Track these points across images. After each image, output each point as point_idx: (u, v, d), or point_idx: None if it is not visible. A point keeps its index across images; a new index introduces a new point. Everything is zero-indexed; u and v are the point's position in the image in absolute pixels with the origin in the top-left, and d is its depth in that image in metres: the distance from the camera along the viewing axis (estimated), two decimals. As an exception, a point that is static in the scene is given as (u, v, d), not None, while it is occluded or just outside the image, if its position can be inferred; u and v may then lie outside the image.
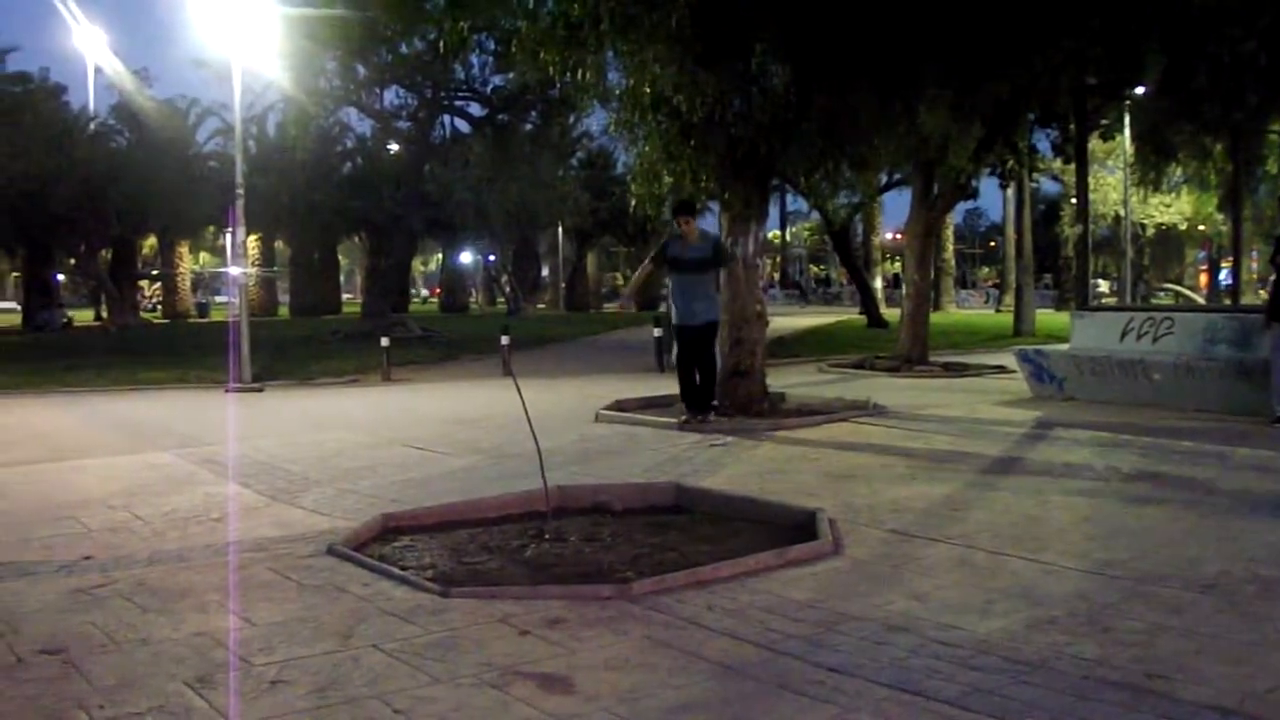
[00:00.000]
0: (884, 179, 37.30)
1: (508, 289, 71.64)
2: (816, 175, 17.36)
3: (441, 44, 17.35)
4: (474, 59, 37.07)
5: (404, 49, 34.42)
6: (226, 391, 19.54)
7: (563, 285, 77.29)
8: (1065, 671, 5.17)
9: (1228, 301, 41.40)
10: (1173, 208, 52.93)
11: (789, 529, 7.98)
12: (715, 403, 14.02)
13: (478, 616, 6.00)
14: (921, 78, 14.59)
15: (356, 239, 69.86)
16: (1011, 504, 9.09)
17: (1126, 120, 27.95)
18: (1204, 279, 68.09)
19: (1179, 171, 38.98)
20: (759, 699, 4.92)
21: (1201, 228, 59.54)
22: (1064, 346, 17.66)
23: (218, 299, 79.78)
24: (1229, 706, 4.73)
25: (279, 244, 72.08)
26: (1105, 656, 5.36)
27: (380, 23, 25.05)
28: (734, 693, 5.01)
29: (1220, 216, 46.76)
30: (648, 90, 14.27)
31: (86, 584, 6.83)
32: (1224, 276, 56.44)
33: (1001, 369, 21.16)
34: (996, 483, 10.04)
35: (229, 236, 35.04)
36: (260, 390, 19.76)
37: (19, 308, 58.96)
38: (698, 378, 13.73)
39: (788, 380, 18.58)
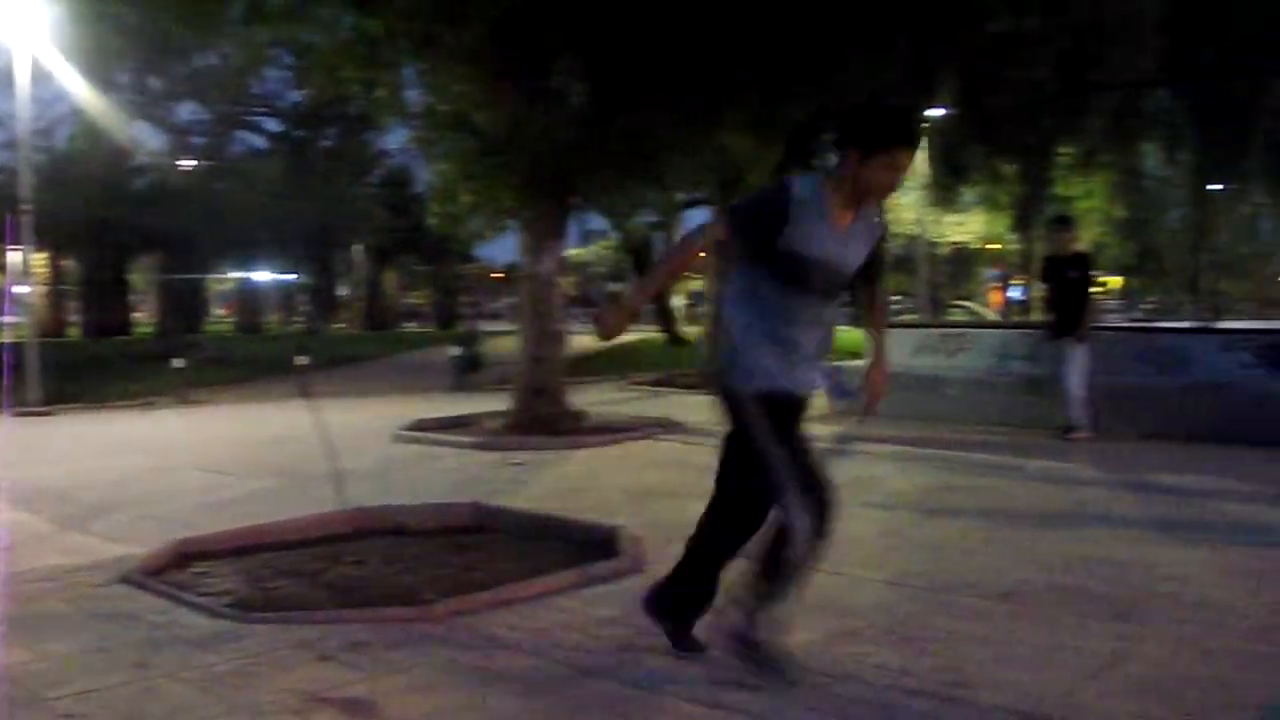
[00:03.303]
0: (684, 198, 37.60)
1: (305, 308, 70.68)
2: (617, 194, 17.45)
3: (237, 59, 17.09)
4: (270, 74, 36.68)
5: (198, 63, 33.89)
6: (13, 416, 18.93)
7: (361, 304, 76.48)
8: (870, 682, 5.27)
9: (1019, 318, 42.54)
10: (966, 227, 54.18)
11: (591, 547, 7.97)
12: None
13: (277, 642, 5.90)
14: (722, 98, 14.74)
15: (150, 257, 68.46)
16: (810, 519, 9.21)
17: (923, 141, 28.61)
18: (997, 297, 69.89)
19: (972, 192, 40.02)
20: (564, 718, 4.92)
21: (994, 246, 61.05)
22: (861, 362, 17.95)
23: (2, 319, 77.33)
24: (1027, 710, 4.86)
25: (69, 262, 70.23)
26: (908, 665, 5.47)
27: (173, 34, 24.54)
28: (539, 712, 5.00)
29: (1011, 236, 48.06)
30: (446, 108, 14.23)
31: None
32: (1015, 294, 58.00)
33: (801, 385, 21.40)
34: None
35: (11, 254, 33.98)
36: (50, 414, 19.18)
37: None
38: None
39: (588, 398, 18.61)
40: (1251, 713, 4.92)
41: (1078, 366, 13.74)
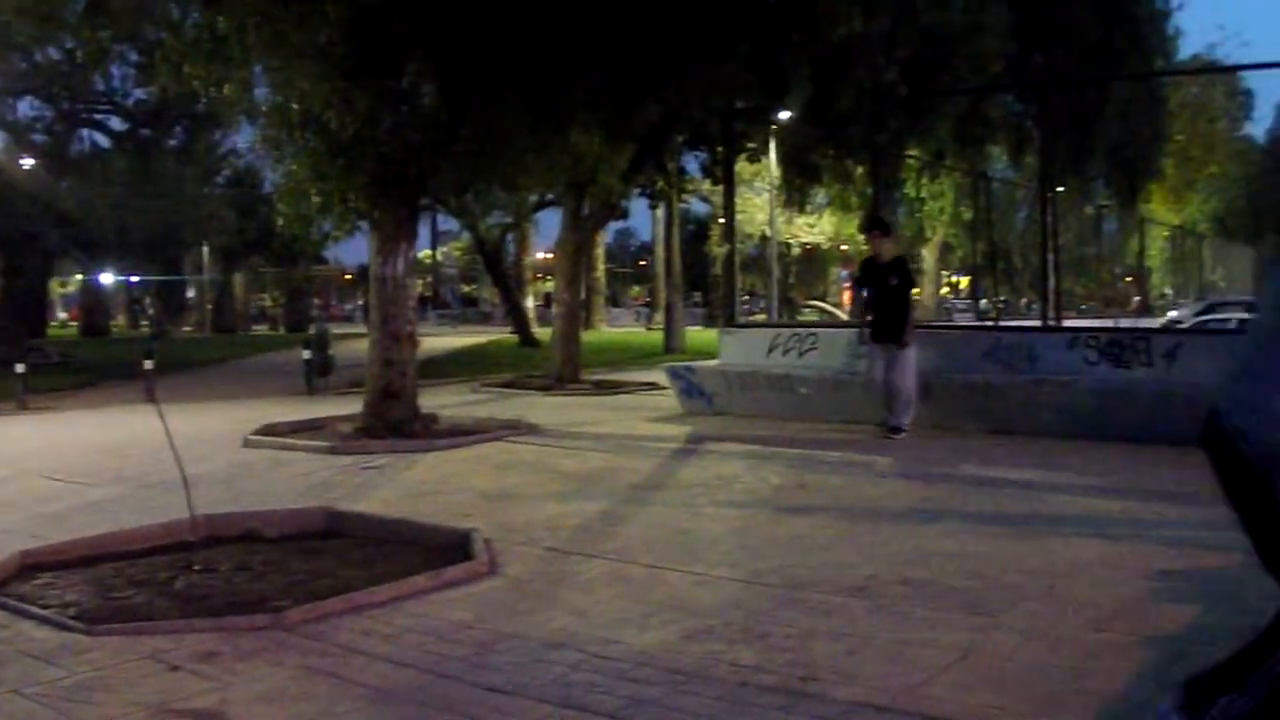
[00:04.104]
0: (536, 199, 37.58)
1: (152, 311, 69.45)
2: (468, 195, 17.42)
3: (79, 54, 16.75)
4: (115, 71, 36.01)
5: (39, 58, 33.14)
6: None
7: (209, 307, 75.36)
8: (723, 679, 5.31)
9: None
10: (816, 228, 54.69)
11: (445, 550, 7.95)
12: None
13: (126, 654, 5.79)
14: (573, 100, 14.74)
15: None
16: (665, 518, 9.28)
17: (773, 143, 28.85)
18: (847, 296, 70.74)
19: (822, 193, 40.43)
20: (419, 725, 4.91)
21: (844, 247, 61.72)
22: (714, 363, 18.08)
23: None
24: (881, 703, 4.94)
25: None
26: (761, 662, 5.52)
27: (12, 29, 23.95)
28: (395, 718, 4.97)
29: (861, 237, 48.65)
30: (296, 107, 14.06)
31: None
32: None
33: (653, 386, 21.54)
34: (650, 498, 10.22)
35: None
36: (-122, 423, 18.62)
37: None
38: None
39: (440, 401, 18.52)
40: (1099, 699, 5.03)
41: (910, 370, 13.93)
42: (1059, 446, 12.85)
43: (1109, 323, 28.36)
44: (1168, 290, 57.95)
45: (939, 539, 8.25)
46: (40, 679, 5.46)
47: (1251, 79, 60.39)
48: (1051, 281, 20.61)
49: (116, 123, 39.62)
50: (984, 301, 38.27)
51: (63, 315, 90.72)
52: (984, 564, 7.43)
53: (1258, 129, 68.10)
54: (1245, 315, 30.55)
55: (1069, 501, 9.88)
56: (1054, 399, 13.85)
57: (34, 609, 6.61)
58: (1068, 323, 23.82)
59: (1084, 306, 50.16)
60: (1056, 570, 7.25)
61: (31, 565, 7.73)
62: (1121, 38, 33.20)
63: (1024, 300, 49.02)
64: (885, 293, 14.15)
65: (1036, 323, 18.76)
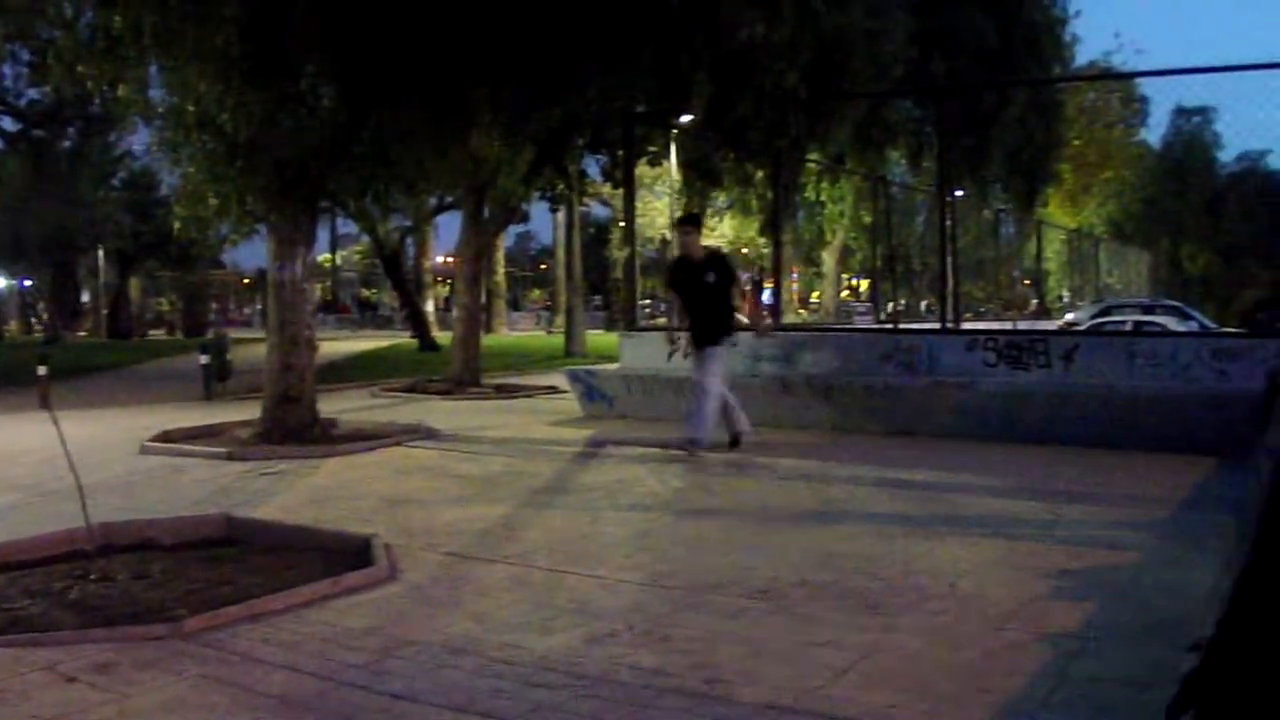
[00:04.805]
0: (436, 202, 37.47)
1: (45, 316, 68.40)
2: (367, 198, 17.32)
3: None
4: (6, 70, 35.46)
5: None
6: None
7: (104, 312, 74.35)
8: (626, 683, 5.32)
9: (770, 320, 43.27)
10: (717, 231, 54.89)
11: (345, 556, 7.90)
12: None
13: (20, 666, 5.69)
14: (473, 103, 14.71)
15: (-126, 261, 65.59)
16: (566, 522, 9.29)
17: (674, 147, 28.94)
18: (749, 300, 71.13)
19: (723, 197, 40.64)
20: (319, 733, 4.87)
21: (745, 251, 62.01)
22: (614, 366, 18.12)
23: None
24: (785, 704, 4.98)
25: None
26: (664, 665, 5.54)
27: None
28: (294, 727, 4.94)
29: (762, 240, 48.92)
30: (192, 109, 13.89)
31: None
32: (766, 297, 59.06)
33: (554, 389, 21.55)
34: (551, 501, 10.23)
35: None
36: None
37: None
38: None
39: (340, 405, 18.40)
40: (1000, 697, 5.09)
41: (716, 378, 12.93)
42: (959, 448, 13.04)
43: (1007, 325, 28.75)
44: (1065, 293, 58.64)
45: (840, 541, 8.32)
46: (-69, 693, 5.37)
47: (1147, 85, 61.62)
48: (950, 284, 20.86)
49: (9, 123, 39.08)
50: (890, 306, 38.61)
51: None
52: (885, 565, 7.51)
53: (1153, 135, 69.43)
54: (1141, 318, 31.12)
55: (969, 502, 10.01)
56: (953, 401, 14.03)
57: (-76, 621, 6.49)
58: (966, 325, 24.14)
59: (983, 309, 50.73)
60: (957, 570, 7.34)
61: (-78, 576, 7.60)
62: (1019, 44, 33.77)
63: (924, 303, 49.49)
64: (702, 292, 13.08)
65: (936, 325, 18.98)
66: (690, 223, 13.91)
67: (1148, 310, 35.54)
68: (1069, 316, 41.79)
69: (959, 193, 34.39)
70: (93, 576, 7.44)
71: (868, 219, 44.46)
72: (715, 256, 13.87)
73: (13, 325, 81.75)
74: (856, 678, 5.36)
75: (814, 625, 6.20)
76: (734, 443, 13.28)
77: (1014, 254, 51.77)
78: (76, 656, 5.81)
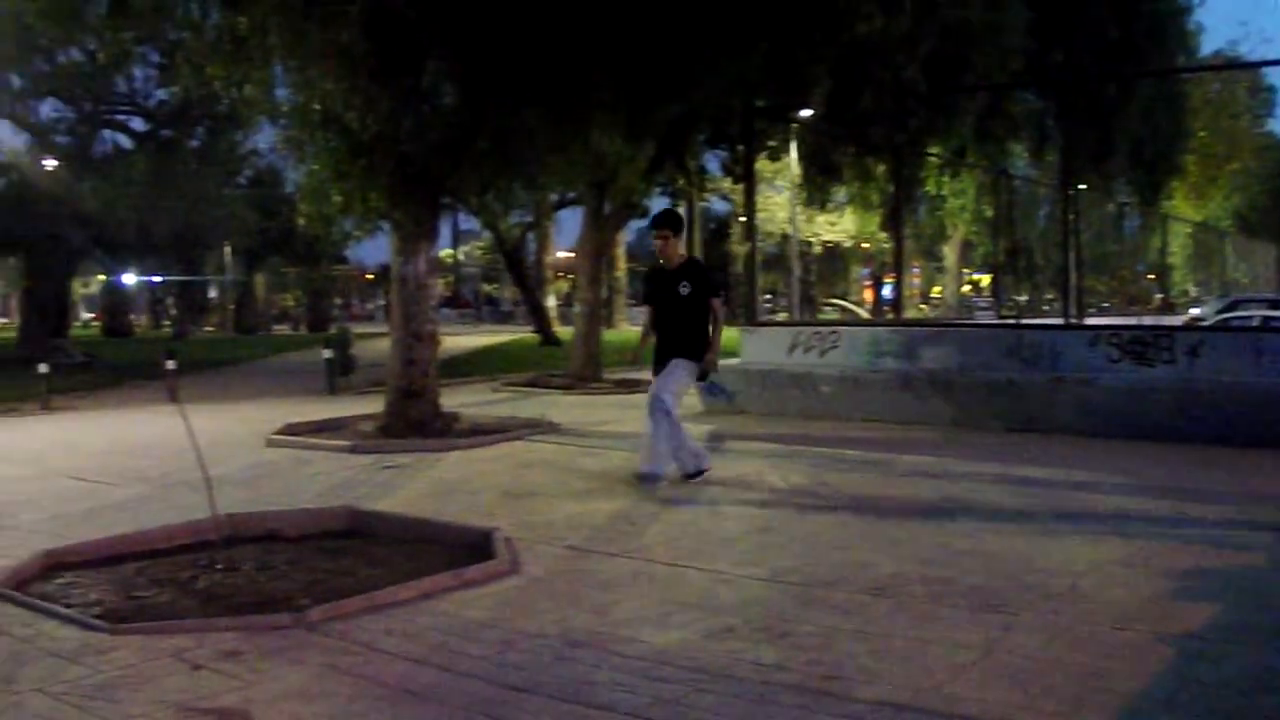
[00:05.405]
0: (557, 198, 37.64)
1: (174, 311, 69.62)
2: (488, 194, 17.39)
3: (101, 55, 16.77)
4: (136, 71, 36.08)
5: (61, 59, 33.22)
6: None
7: (231, 307, 75.55)
8: (744, 678, 5.31)
9: (891, 316, 43.03)
10: (838, 226, 54.69)
11: (465, 549, 7.95)
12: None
13: (148, 653, 5.80)
14: (593, 99, 14.73)
15: (11, 260, 66.88)
16: (687, 517, 9.29)
17: (794, 142, 28.83)
18: (868, 294, 70.71)
19: (843, 191, 40.45)
20: (439, 723, 4.91)
21: (865, 245, 61.74)
22: (734, 361, 18.06)
23: None
24: (903, 702, 4.94)
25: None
26: (783, 661, 5.52)
27: (35, 31, 24.00)
28: (417, 717, 4.98)
29: (883, 235, 48.66)
30: (317, 107, 14.06)
31: None
32: (887, 292, 58.71)
33: (673, 384, 21.53)
34: (671, 496, 10.21)
35: None
36: (-94, 422, 18.64)
37: None
38: None
39: (461, 400, 18.53)
40: (1120, 698, 5.01)
41: (675, 397, 10.92)
42: (1081, 444, 12.85)
43: (1131, 321, 28.31)
44: (1190, 288, 57.76)
45: (960, 538, 8.23)
46: (64, 678, 5.48)
47: (1274, 75, 60.22)
48: (1073, 279, 20.60)
49: (138, 124, 39.69)
50: (1014, 300, 38.16)
51: (87, 316, 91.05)
52: (1005, 563, 7.42)
53: (1281, 125, 67.97)
54: (1269, 313, 30.45)
55: (1091, 499, 9.85)
56: (1075, 397, 13.83)
57: (57, 608, 6.63)
58: (1089, 320, 23.82)
59: (1105, 304, 50.00)
60: (1078, 569, 7.23)
61: (55, 565, 7.76)
62: (1141, 35, 33.17)
63: (1046, 298, 48.94)
64: (674, 305, 11.02)
65: (1058, 321, 18.74)
66: (665, 224, 11.36)
67: (1275, 305, 34.75)
68: (1194, 311, 41.05)
69: (1082, 186, 33.97)
70: (219, 566, 7.57)
71: (989, 213, 43.99)
72: (692, 264, 11.47)
73: (142, 321, 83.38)
74: (975, 676, 5.30)
75: (933, 623, 6.14)
76: (647, 478, 10.78)
77: (1138, 248, 51.06)
78: (203, 644, 5.91)
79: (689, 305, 10.97)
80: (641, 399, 19.58)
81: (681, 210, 44.41)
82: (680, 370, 10.92)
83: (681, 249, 11.46)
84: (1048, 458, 12.14)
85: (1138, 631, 5.95)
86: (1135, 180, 41.54)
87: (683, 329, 11.00)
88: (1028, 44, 24.39)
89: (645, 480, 10.69)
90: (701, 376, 11.28)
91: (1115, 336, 14.52)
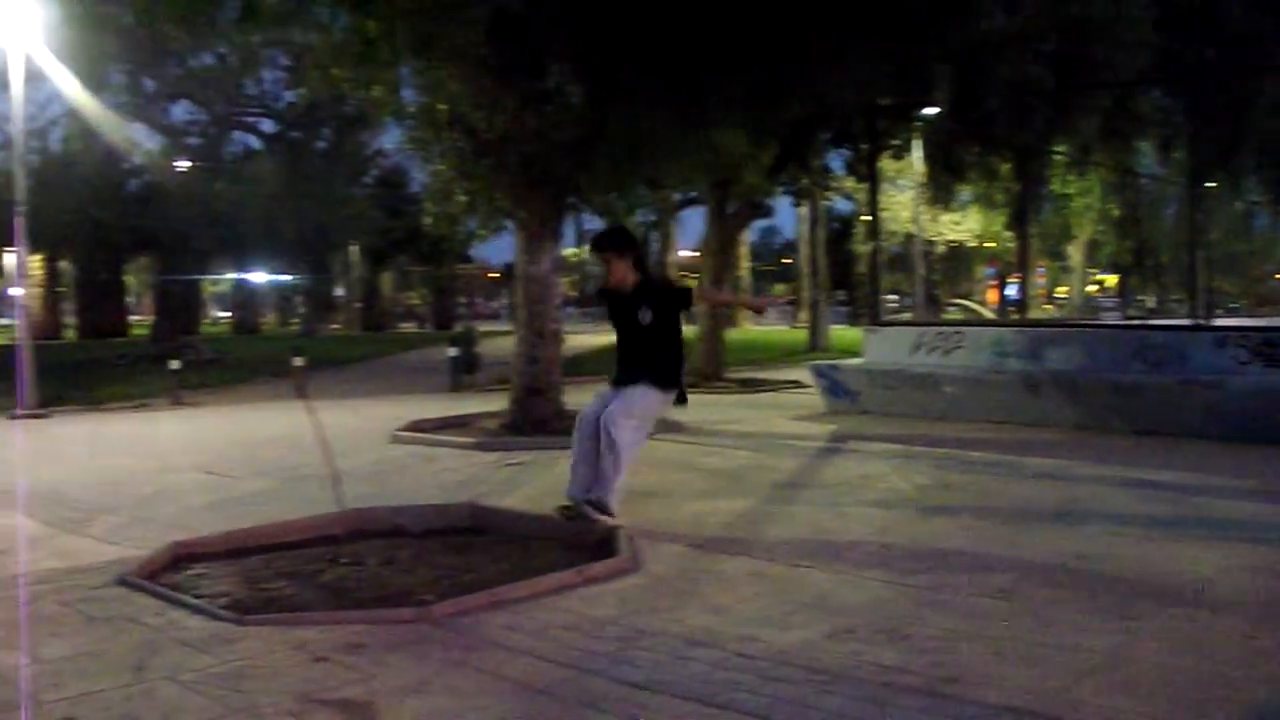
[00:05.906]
0: (680, 197, 37.61)
1: (302, 309, 70.54)
2: (612, 194, 17.43)
3: (232, 58, 17.03)
4: (265, 74, 36.69)
5: (193, 63, 33.85)
6: (8, 418, 18.79)
7: (357, 305, 76.36)
8: (865, 679, 5.26)
9: (1015, 316, 42.57)
10: (962, 225, 54.18)
11: (588, 547, 7.98)
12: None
13: (274, 644, 5.88)
14: (717, 98, 14.71)
15: (144, 259, 68.10)
16: (808, 517, 9.23)
17: (917, 141, 28.59)
18: (993, 295, 69.93)
19: (968, 190, 40.05)
20: (564, 718, 4.91)
21: (990, 245, 61.12)
22: (858, 361, 17.97)
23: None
24: (1023, 706, 4.87)
25: (64, 264, 69.95)
26: (904, 663, 5.47)
27: (168, 36, 24.47)
28: (538, 713, 5.00)
29: (1007, 234, 48.12)
30: (443, 107, 14.20)
31: None
32: (1011, 292, 58.06)
33: (797, 384, 21.47)
34: (793, 496, 10.18)
35: (6, 256, 33.89)
36: (46, 416, 19.06)
37: None
38: None
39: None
40: (1249, 708, 4.91)
41: (634, 424, 8.98)
42: (1208, 448, 12.58)
43: (1261, 322, 27.73)
44: (1324, 288, 56.52)
45: (1084, 541, 8.11)
46: (192, 666, 5.57)
47: None
48: (1201, 279, 20.22)
49: (267, 125, 40.42)
50: (1141, 301, 37.59)
51: (220, 314, 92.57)
52: (1131, 567, 7.29)
53: None
54: (1406, 314, 29.68)
55: (1219, 505, 9.66)
56: (1203, 400, 13.54)
57: (187, 598, 6.75)
58: (1218, 321, 23.37)
59: (1234, 304, 49.07)
60: (1206, 574, 7.08)
61: (184, 556, 7.90)
62: (1271, 29, 32.44)
63: (1173, 298, 48.15)
64: (635, 333, 9.36)
65: (1186, 321, 18.39)
66: (605, 247, 9.62)
67: None
68: (1327, 313, 40.16)
69: (1210, 184, 33.35)
70: (344, 560, 7.66)
71: (1115, 212, 43.41)
72: (648, 289, 9.54)
73: (270, 319, 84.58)
74: (1099, 682, 5.21)
75: (1056, 627, 6.05)
76: (568, 510, 8.86)
77: (1268, 247, 50.09)
78: (327, 636, 5.98)
79: (653, 332, 9.28)
80: (766, 399, 19.61)
81: (805, 210, 44.23)
82: (650, 400, 9.15)
83: (631, 272, 9.44)
84: (1175, 462, 11.91)
85: (1268, 639, 5.82)
86: (1265, 178, 40.74)
87: (649, 355, 9.25)
88: (1153, 39, 24.00)
89: (593, 506, 8.64)
90: (679, 400, 9.50)
91: (1245, 338, 14.22)
